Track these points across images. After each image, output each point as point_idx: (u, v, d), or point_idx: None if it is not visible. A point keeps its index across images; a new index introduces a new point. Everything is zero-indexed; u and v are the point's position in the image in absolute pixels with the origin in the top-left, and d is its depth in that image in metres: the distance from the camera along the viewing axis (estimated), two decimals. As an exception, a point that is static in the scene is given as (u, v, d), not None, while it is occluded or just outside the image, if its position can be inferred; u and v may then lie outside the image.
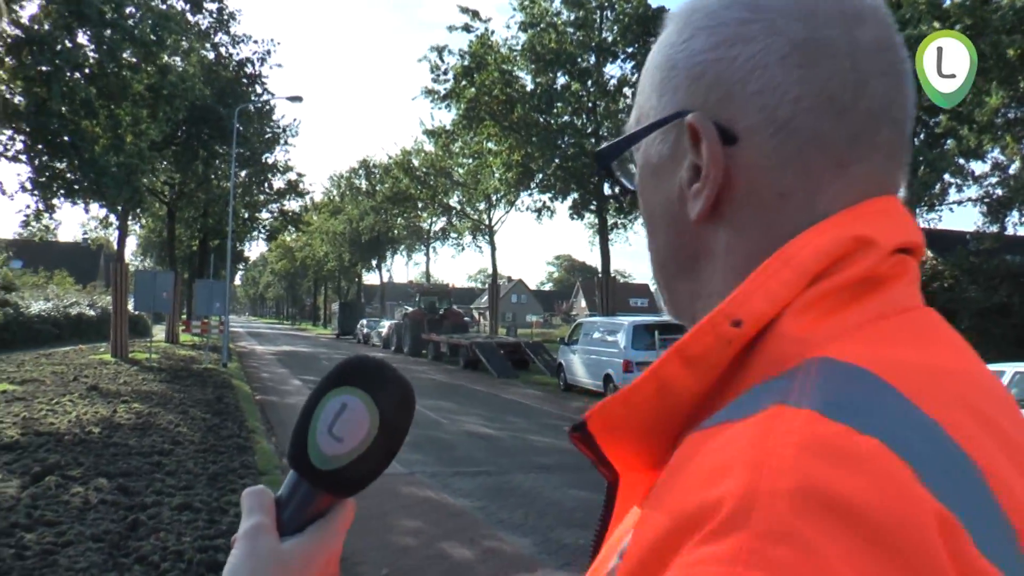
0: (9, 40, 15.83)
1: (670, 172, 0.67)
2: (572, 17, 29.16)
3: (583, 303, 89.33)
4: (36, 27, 16.15)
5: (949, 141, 23.05)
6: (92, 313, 38.24)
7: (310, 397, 0.75)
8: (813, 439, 0.46)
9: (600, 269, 31.29)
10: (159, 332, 38.66)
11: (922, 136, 24.10)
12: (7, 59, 15.91)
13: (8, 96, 15.96)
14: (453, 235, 59.62)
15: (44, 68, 15.24)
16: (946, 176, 23.20)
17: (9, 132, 16.56)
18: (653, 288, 0.76)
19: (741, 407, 0.52)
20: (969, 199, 29.22)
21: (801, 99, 0.60)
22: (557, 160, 29.12)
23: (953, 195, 29.09)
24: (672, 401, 0.58)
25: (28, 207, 17.93)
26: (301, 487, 0.74)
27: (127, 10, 17.35)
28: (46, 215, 18.22)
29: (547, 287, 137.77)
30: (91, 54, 16.62)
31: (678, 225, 0.67)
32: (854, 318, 0.56)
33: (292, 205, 48.91)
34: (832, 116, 0.60)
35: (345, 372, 0.76)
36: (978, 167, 30.07)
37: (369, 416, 0.73)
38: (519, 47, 29.66)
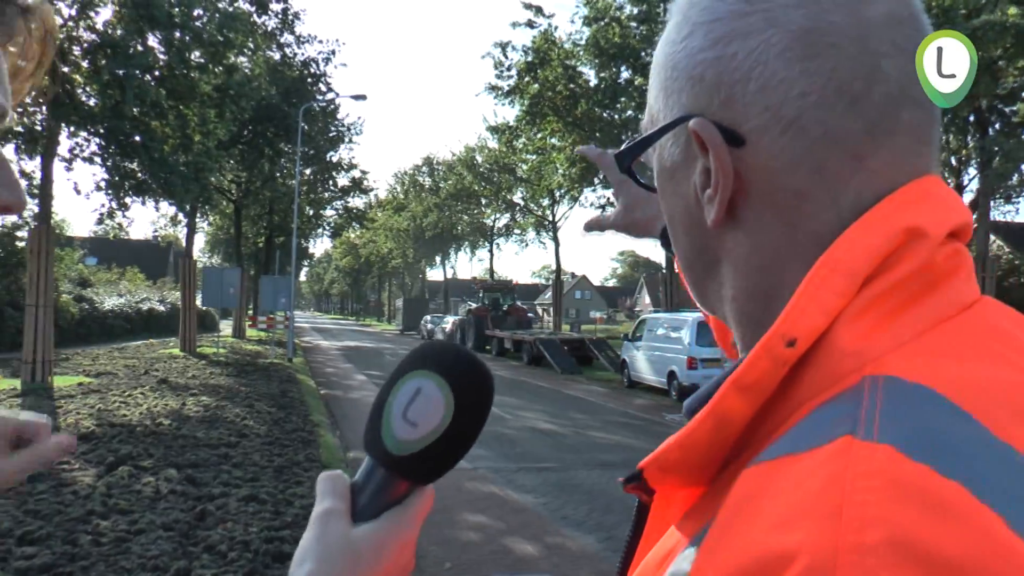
0: (86, 45, 16.25)
1: (684, 176, 0.64)
2: (636, 11, 28.87)
3: (647, 299, 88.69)
4: (110, 32, 16.56)
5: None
6: (162, 308, 39.24)
7: (387, 382, 0.74)
8: (896, 483, 0.42)
9: (664, 265, 31.00)
10: (226, 327, 39.53)
11: (998, 125, 23.35)
12: (83, 63, 16.33)
13: (84, 99, 16.37)
14: (517, 231, 59.55)
15: (118, 71, 15.59)
16: (1023, 167, 22.41)
17: (84, 134, 17.01)
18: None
19: (804, 437, 0.48)
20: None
21: (807, 94, 0.56)
22: (621, 155, 28.94)
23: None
24: (727, 432, 0.54)
25: (102, 206, 18.38)
26: (376, 472, 0.73)
27: (195, 12, 17.68)
28: (119, 213, 18.66)
29: (611, 283, 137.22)
30: (161, 56, 16.97)
31: (698, 228, 0.64)
32: (912, 324, 0.52)
33: (356, 202, 49.40)
34: (843, 108, 0.56)
35: (421, 356, 0.74)
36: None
37: (444, 401, 0.71)
38: (583, 42, 29.50)
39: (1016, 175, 23.61)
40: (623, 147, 0.71)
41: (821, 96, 0.55)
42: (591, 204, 34.04)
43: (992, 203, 24.32)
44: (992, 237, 25.93)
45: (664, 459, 0.57)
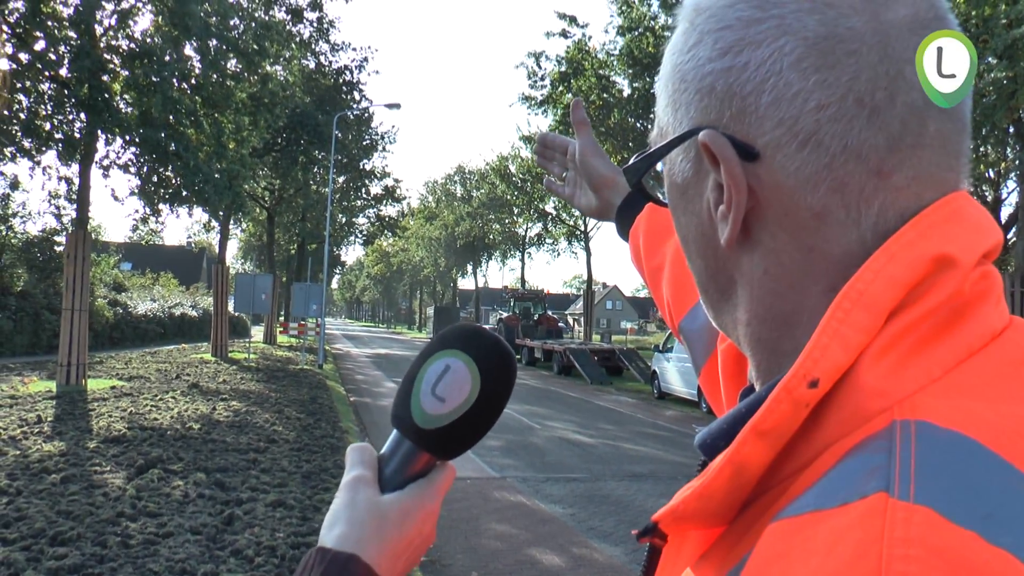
0: (124, 53, 16.51)
1: (697, 192, 0.60)
2: (670, 21, 28.84)
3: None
4: (147, 40, 16.82)
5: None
6: (194, 314, 39.60)
7: (416, 360, 0.78)
8: (938, 553, 0.38)
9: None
10: (257, 333, 39.83)
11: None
12: (122, 71, 16.58)
13: (121, 107, 16.61)
14: (548, 241, 59.55)
15: (154, 79, 15.81)
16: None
17: (120, 141, 17.26)
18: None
19: (833, 490, 0.44)
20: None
21: (824, 106, 0.51)
22: (653, 165, 28.86)
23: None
24: (746, 479, 0.51)
25: (136, 211, 18.63)
26: (403, 445, 0.77)
27: (231, 22, 17.89)
28: (153, 219, 18.89)
29: (642, 294, 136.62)
30: (196, 65, 17.18)
31: (712, 248, 0.60)
32: (941, 359, 0.48)
33: (389, 210, 49.69)
34: (864, 120, 0.51)
35: (450, 336, 0.79)
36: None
37: (471, 378, 0.75)
38: (616, 52, 29.50)
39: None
40: (631, 161, 0.68)
41: (840, 108, 0.51)
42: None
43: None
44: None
45: (682, 511, 0.54)
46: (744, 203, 0.55)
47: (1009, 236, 22.87)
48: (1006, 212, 23.53)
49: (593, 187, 1.30)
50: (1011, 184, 22.99)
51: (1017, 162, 21.45)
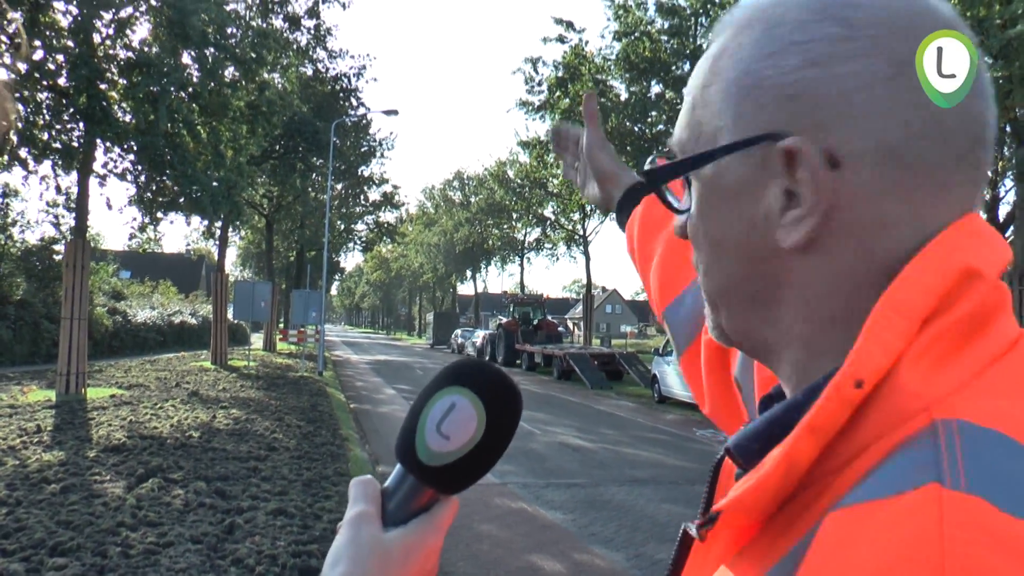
0: (122, 63, 16.51)
1: (752, 196, 0.62)
2: (667, 25, 28.90)
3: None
4: (146, 49, 16.82)
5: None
6: (194, 321, 39.61)
7: (421, 394, 0.78)
8: (995, 537, 0.43)
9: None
10: (257, 340, 39.81)
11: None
12: (120, 80, 16.59)
13: (119, 116, 16.61)
14: (547, 245, 59.56)
15: (152, 88, 15.82)
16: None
17: (118, 150, 17.25)
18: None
19: (886, 482, 0.48)
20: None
21: (911, 123, 0.56)
22: (651, 169, 28.84)
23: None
24: (795, 475, 0.55)
25: (134, 220, 18.61)
26: (407, 481, 0.77)
27: (229, 30, 17.89)
28: (151, 228, 18.88)
29: (642, 297, 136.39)
30: (194, 73, 17.19)
31: (757, 253, 0.62)
32: (970, 364, 0.53)
33: (388, 217, 49.75)
34: (940, 140, 0.57)
35: (456, 372, 0.78)
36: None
37: (476, 416, 0.75)
38: (613, 56, 29.53)
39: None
40: (665, 164, 0.68)
41: (922, 127, 0.56)
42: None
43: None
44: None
45: (743, 503, 0.57)
46: (822, 209, 0.58)
47: (1007, 235, 22.90)
48: (1004, 211, 23.53)
49: (597, 180, 1.36)
50: (1008, 183, 23.00)
51: (1014, 161, 21.47)
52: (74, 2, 15.13)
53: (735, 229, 0.63)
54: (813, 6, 0.60)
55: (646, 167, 0.72)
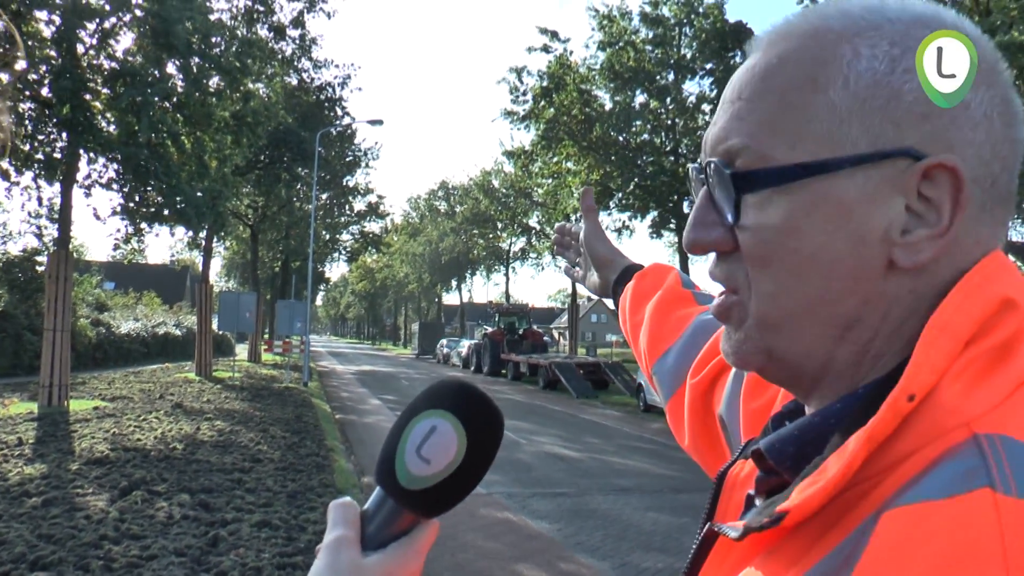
0: (106, 73, 16.43)
1: (867, 212, 0.60)
2: (651, 35, 29.02)
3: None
4: (130, 60, 16.75)
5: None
6: (178, 333, 39.41)
7: (401, 416, 0.78)
8: None
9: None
10: (242, 351, 39.66)
11: None
12: (103, 90, 16.51)
13: (103, 126, 16.53)
14: (533, 255, 59.70)
15: (137, 98, 15.74)
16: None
17: (103, 160, 17.15)
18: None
19: (939, 485, 0.50)
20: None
21: (1007, 157, 0.61)
22: (636, 179, 28.89)
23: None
24: (848, 480, 0.56)
25: (118, 231, 18.50)
26: (386, 504, 0.77)
27: (213, 39, 17.84)
28: (135, 238, 18.78)
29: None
30: (179, 83, 17.12)
31: (862, 270, 0.61)
32: (1003, 385, 0.56)
33: (373, 227, 49.65)
34: (1013, 175, 0.63)
35: (437, 395, 0.77)
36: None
37: (457, 440, 0.75)
38: (597, 66, 29.60)
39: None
40: (776, 166, 0.63)
41: (1011, 161, 0.62)
42: (606, 227, 33.89)
43: (1010, 224, 24.13)
44: (1011, 258, 25.69)
45: (811, 504, 0.57)
46: (947, 231, 0.60)
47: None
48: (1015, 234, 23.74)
49: (595, 267, 1.46)
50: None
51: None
52: (57, 12, 15.04)
53: (839, 244, 0.61)
54: (932, 24, 0.61)
55: (725, 168, 0.66)
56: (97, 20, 15.96)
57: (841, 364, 0.63)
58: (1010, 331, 0.57)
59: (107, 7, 15.85)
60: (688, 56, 29.04)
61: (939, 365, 0.55)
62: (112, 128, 16.78)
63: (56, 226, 16.68)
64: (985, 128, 0.60)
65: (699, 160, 0.72)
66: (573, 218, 41.91)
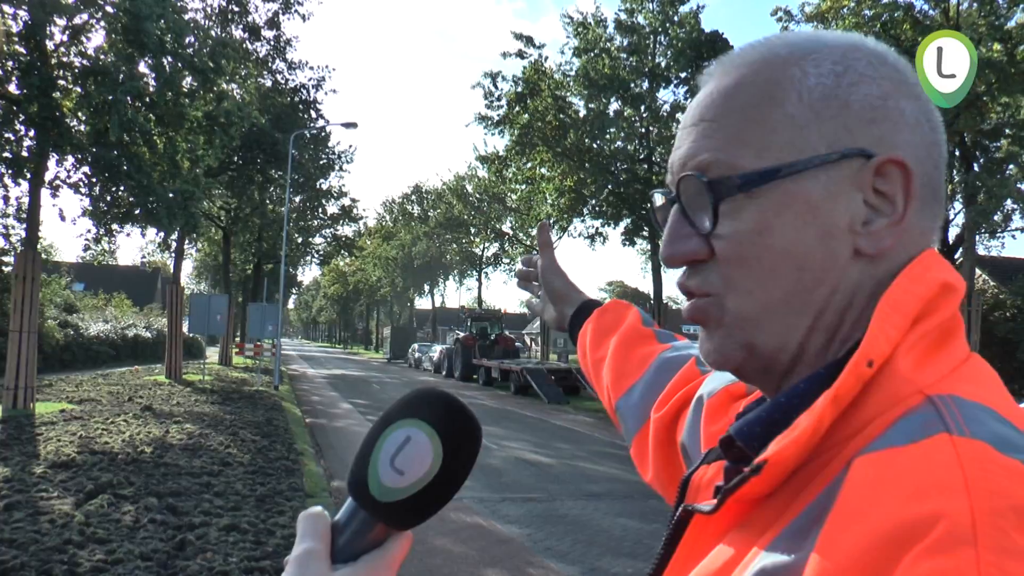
0: (77, 70, 16.26)
1: (831, 207, 0.68)
2: (625, 43, 29.11)
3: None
4: (101, 58, 16.57)
5: (1011, 167, 22.47)
6: (148, 335, 39.02)
7: (375, 425, 0.75)
8: (1003, 468, 0.53)
9: (652, 295, 31.00)
10: (213, 354, 39.28)
11: (982, 161, 23.51)
12: (74, 88, 16.33)
13: (74, 125, 16.35)
14: (506, 260, 59.66)
15: (108, 98, 15.58)
16: (1008, 203, 22.51)
17: (72, 160, 16.95)
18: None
19: (901, 435, 0.57)
20: (1033, 226, 28.43)
21: (936, 158, 0.70)
22: (610, 186, 28.97)
23: (1017, 222, 28.31)
24: (816, 438, 0.61)
25: (88, 231, 18.29)
26: (358, 516, 0.74)
27: (187, 39, 17.70)
28: (106, 239, 18.59)
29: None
30: (151, 83, 16.96)
31: (830, 260, 0.68)
32: (946, 360, 0.64)
33: (346, 230, 49.42)
34: (940, 173, 0.71)
35: (413, 404, 0.75)
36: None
37: (432, 451, 0.72)
38: (572, 73, 29.66)
39: (1000, 212, 23.74)
40: (752, 171, 0.69)
41: (940, 161, 0.71)
42: (579, 234, 34.02)
43: (977, 237, 24.44)
44: (977, 271, 26.05)
45: (784, 454, 0.61)
46: (903, 218, 0.68)
47: (956, 256, 23.36)
48: (953, 232, 24.00)
49: (551, 301, 1.50)
50: (957, 206, 23.47)
51: (962, 184, 21.95)
52: (24, 6, 14.85)
53: (808, 239, 0.68)
54: (862, 47, 0.72)
55: (700, 177, 0.71)
56: (67, 16, 15.80)
57: (811, 353, 0.69)
58: (950, 312, 0.66)
59: (79, 4, 15.69)
60: (663, 64, 29.17)
61: (892, 337, 0.62)
62: (83, 127, 16.61)
63: (24, 226, 16.48)
64: (919, 132, 0.69)
65: (667, 183, 0.78)
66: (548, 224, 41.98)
